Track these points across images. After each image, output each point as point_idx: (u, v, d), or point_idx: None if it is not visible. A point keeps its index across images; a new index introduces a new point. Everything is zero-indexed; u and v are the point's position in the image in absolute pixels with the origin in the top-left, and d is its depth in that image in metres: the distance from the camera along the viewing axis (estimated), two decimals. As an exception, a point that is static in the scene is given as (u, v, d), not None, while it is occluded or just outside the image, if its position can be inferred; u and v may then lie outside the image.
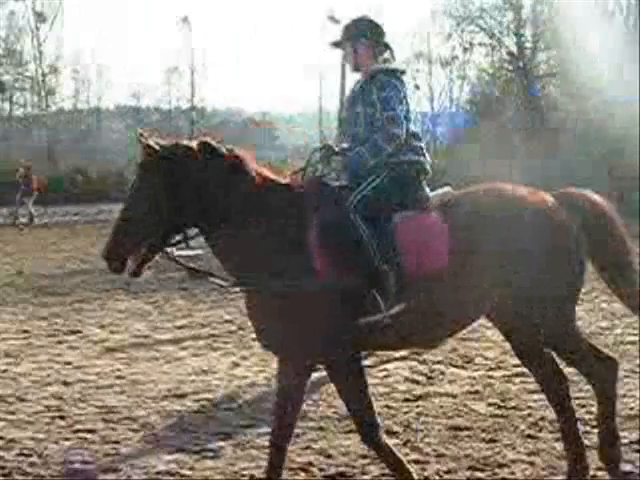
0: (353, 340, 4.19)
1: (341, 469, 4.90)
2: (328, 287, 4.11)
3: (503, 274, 4.25)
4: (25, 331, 9.14)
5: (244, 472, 4.76)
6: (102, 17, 69.58)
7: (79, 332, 8.85)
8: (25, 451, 5.22)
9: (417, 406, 6.14)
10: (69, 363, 7.55)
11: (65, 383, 6.87)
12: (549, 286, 4.29)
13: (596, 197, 4.60)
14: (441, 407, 6.09)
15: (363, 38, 4.56)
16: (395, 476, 4.33)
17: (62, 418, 5.94)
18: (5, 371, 7.28)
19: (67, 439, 5.50)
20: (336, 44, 4.70)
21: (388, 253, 4.18)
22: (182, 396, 6.48)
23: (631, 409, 5.68)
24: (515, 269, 4.25)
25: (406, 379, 6.89)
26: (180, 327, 9.38)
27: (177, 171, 4.14)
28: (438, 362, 7.32)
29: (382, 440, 4.26)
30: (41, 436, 5.53)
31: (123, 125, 47.83)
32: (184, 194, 4.13)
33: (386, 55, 4.64)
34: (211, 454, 5.15)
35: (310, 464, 4.96)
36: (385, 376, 6.85)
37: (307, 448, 5.22)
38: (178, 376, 7.08)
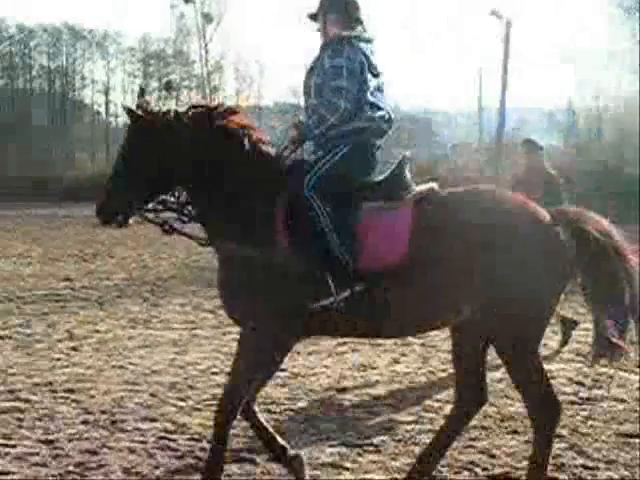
0: (304, 320, 4.20)
1: (506, 469, 4.82)
2: (282, 262, 4.13)
3: (468, 279, 4.07)
4: (191, 322, 9.49)
5: (406, 468, 4.74)
6: (264, 15, 71.01)
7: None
8: (196, 436, 5.42)
9: (583, 409, 5.96)
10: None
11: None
12: (513, 295, 4.06)
13: (593, 215, 4.29)
14: (610, 412, 5.89)
15: (333, 11, 4.49)
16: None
17: (228, 407, 6.11)
18: (174, 360, 7.58)
19: (232, 427, 5.65)
20: (312, 17, 4.61)
21: (345, 239, 4.14)
22: (343, 390, 6.55)
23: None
24: (482, 275, 4.06)
25: (571, 381, 6.70)
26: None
27: (158, 137, 4.28)
28: (605, 365, 7.05)
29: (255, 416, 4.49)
30: (209, 423, 5.69)
31: (283, 123, 48.79)
32: (165, 159, 4.28)
33: (358, 30, 4.49)
34: (372, 448, 5.18)
35: (473, 463, 4.91)
36: (550, 377, 6.67)
37: (469, 447, 5.17)
38: (339, 370, 7.15)
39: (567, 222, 4.20)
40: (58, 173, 38.99)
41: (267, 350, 4.32)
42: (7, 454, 5.07)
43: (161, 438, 5.38)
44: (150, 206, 4.47)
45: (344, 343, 8.25)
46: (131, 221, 4.47)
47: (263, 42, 71.13)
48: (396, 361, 7.51)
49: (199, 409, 6.03)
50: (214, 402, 6.15)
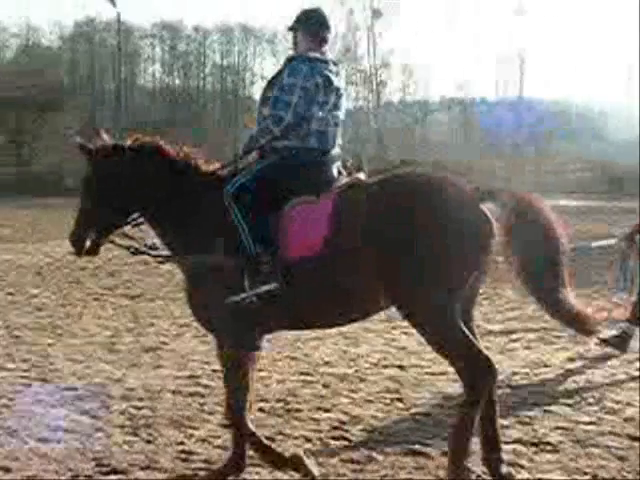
0: (239, 317, 4.42)
1: None
2: (203, 264, 4.48)
3: (386, 265, 4.18)
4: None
5: (587, 470, 4.63)
6: (432, 10, 70.71)
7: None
8: (369, 427, 5.48)
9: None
10: (404, 348, 7.79)
11: (401, 367, 7.11)
12: (431, 273, 4.14)
13: (526, 194, 4.32)
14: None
15: (305, 29, 4.80)
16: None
17: (400, 400, 6.15)
18: (345, 352, 7.69)
19: (405, 420, 5.69)
20: (290, 29, 4.95)
21: (263, 237, 4.38)
22: (516, 387, 6.45)
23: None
24: (398, 259, 4.15)
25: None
26: (510, 319, 9.33)
27: (105, 168, 4.69)
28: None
29: (246, 426, 4.59)
30: (381, 415, 5.77)
31: (449, 117, 48.44)
32: (115, 187, 4.66)
33: (324, 50, 4.77)
34: (549, 448, 5.07)
35: None
36: None
37: None
38: (511, 368, 7.04)
39: (500, 202, 4.23)
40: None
41: (233, 353, 4.59)
42: (192, 436, 5.32)
43: (335, 428, 5.47)
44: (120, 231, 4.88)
45: (515, 340, 8.13)
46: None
47: (429, 37, 70.63)
48: (572, 360, 7.31)
49: (371, 401, 6.10)
50: (386, 395, 6.25)
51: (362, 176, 4.68)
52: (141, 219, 4.85)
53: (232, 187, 4.55)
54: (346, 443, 5.19)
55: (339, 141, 4.83)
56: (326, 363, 7.25)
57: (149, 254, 4.94)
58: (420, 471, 4.76)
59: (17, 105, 41.14)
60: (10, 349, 7.70)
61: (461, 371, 4.23)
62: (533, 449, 5.06)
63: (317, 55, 4.75)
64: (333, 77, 4.73)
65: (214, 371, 6.89)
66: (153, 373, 6.90)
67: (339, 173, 4.75)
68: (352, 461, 4.89)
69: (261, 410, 5.86)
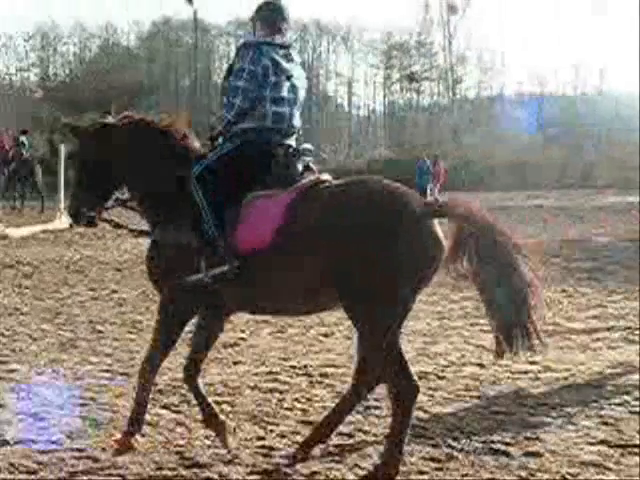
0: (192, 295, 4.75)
1: None
2: (179, 243, 4.72)
3: (324, 264, 4.32)
4: (438, 312, 9.53)
5: (678, 474, 4.51)
6: (507, 4, 69.72)
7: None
8: (449, 425, 5.44)
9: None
10: (482, 346, 7.70)
11: (480, 365, 7.03)
12: (364, 280, 4.25)
13: (477, 206, 4.38)
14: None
15: (260, 18, 4.99)
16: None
17: (479, 398, 6.09)
18: (424, 349, 7.64)
19: (485, 419, 5.62)
20: (251, 19, 5.14)
21: (222, 221, 4.58)
22: (600, 387, 6.32)
23: None
24: (337, 257, 4.29)
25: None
26: (592, 317, 9.15)
27: (90, 145, 5.02)
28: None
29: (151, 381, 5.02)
30: (461, 414, 5.72)
31: (525, 112, 47.72)
32: (105, 162, 4.97)
33: (277, 38, 4.92)
34: (637, 450, 4.95)
35: None
36: None
37: None
38: (596, 367, 6.90)
39: (451, 214, 4.31)
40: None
41: (170, 317, 4.91)
42: (272, 431, 5.36)
43: (415, 426, 5.42)
44: (110, 204, 5.18)
45: (598, 339, 7.97)
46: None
47: (505, 32, 69.60)
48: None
49: (451, 399, 6.05)
50: (465, 393, 6.19)
51: (326, 177, 4.82)
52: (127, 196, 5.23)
53: (197, 169, 4.76)
54: (426, 441, 5.16)
55: (297, 123, 5.02)
56: (404, 360, 7.20)
57: (126, 228, 5.34)
58: (501, 470, 4.70)
59: (97, 104, 41.99)
60: (93, 343, 7.87)
61: (390, 387, 4.44)
62: (620, 451, 4.95)
63: (265, 39, 4.92)
64: (282, 60, 4.89)
65: (292, 367, 6.95)
66: (232, 369, 6.97)
67: (308, 168, 4.91)
68: (433, 459, 4.85)
69: (309, 382, 5.89)
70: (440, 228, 4.40)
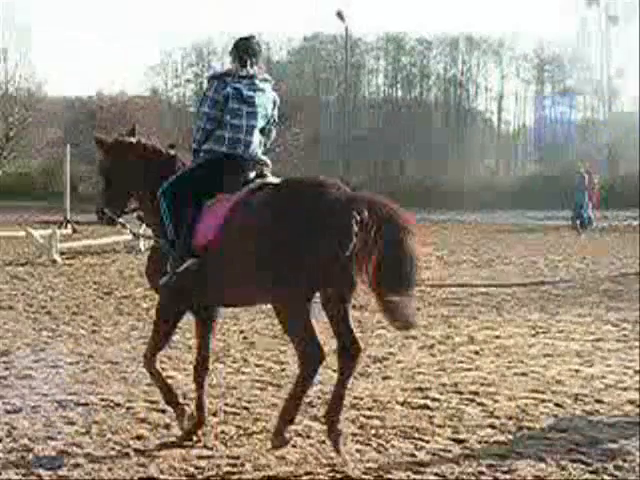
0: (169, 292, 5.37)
1: None
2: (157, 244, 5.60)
3: (256, 259, 4.83)
4: (592, 333, 9.21)
5: None
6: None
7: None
8: (608, 452, 5.21)
9: None
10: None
11: (640, 390, 6.74)
12: (291, 271, 4.77)
13: (387, 202, 4.81)
14: None
15: (232, 54, 5.67)
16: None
17: None
18: (578, 371, 7.40)
19: None
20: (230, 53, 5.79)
21: (178, 227, 5.26)
22: None
23: None
24: (263, 247, 4.81)
25: None
26: None
27: (109, 159, 5.84)
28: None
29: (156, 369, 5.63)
30: (623, 441, 5.42)
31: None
32: (120, 174, 5.78)
33: (244, 70, 5.54)
34: None
35: None
36: None
37: None
38: None
39: (365, 207, 4.70)
40: (453, 179, 40.12)
41: (162, 316, 5.56)
42: (422, 448, 5.31)
43: (571, 450, 5.27)
44: (126, 209, 5.92)
45: None
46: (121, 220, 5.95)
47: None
48: None
49: (610, 425, 5.81)
50: (625, 418, 5.95)
51: (272, 180, 5.41)
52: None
53: (166, 184, 5.45)
54: (583, 467, 4.98)
55: (258, 143, 5.59)
56: (558, 382, 7.01)
57: (131, 231, 6.31)
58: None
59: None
60: (245, 354, 8.04)
61: (299, 353, 4.94)
62: None
63: (229, 71, 5.63)
64: (244, 89, 5.50)
65: (443, 385, 6.87)
66: (381, 384, 6.96)
67: (261, 175, 5.51)
68: (591, 486, 4.69)
69: (491, 426, 5.76)
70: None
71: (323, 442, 5.38)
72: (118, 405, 6.16)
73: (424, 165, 45.81)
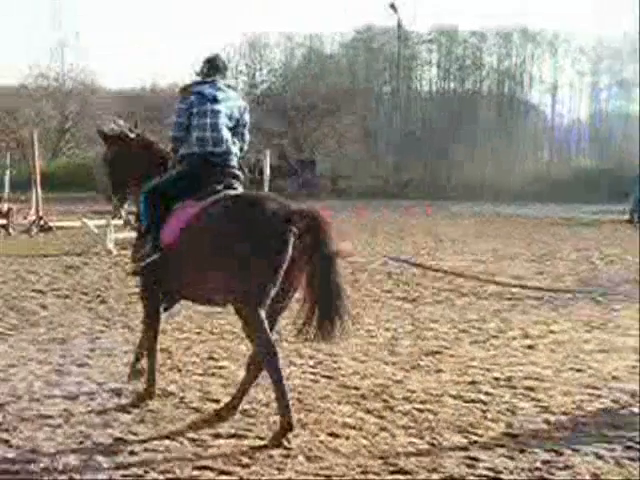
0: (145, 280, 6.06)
1: None
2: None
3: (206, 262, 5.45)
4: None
5: None
6: None
7: None
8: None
9: None
10: None
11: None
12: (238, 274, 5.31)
13: (319, 214, 5.37)
14: None
15: (200, 69, 6.23)
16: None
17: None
18: (635, 367, 7.27)
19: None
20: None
21: (154, 225, 5.84)
22: None
23: None
24: (217, 259, 5.38)
25: None
26: None
27: (109, 148, 6.52)
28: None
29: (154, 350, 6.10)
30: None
31: None
32: (118, 163, 6.44)
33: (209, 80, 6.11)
34: None
35: None
36: None
37: None
38: None
39: (303, 222, 5.28)
40: (505, 171, 39.69)
41: (145, 301, 6.17)
42: (475, 442, 5.28)
43: (628, 447, 5.19)
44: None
45: None
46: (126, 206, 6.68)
47: None
48: None
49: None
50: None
51: (237, 192, 5.87)
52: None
53: (147, 187, 6.06)
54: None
55: (229, 140, 6.03)
56: (614, 378, 6.91)
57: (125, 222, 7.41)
58: None
59: (301, 111, 43.23)
60: (297, 345, 8.05)
61: (257, 350, 5.49)
62: None
63: (192, 81, 6.28)
64: (207, 89, 6.01)
65: (496, 379, 6.81)
66: (433, 377, 6.93)
67: (230, 187, 5.92)
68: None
69: (546, 422, 5.70)
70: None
71: (376, 435, 5.38)
72: (172, 394, 6.21)
73: (475, 157, 45.40)
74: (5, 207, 19.72)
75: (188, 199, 5.79)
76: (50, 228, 19.35)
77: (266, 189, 18.71)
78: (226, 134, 6.00)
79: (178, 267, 5.68)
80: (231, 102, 6.09)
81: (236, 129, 6.11)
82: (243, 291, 5.33)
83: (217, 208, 5.56)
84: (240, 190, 5.97)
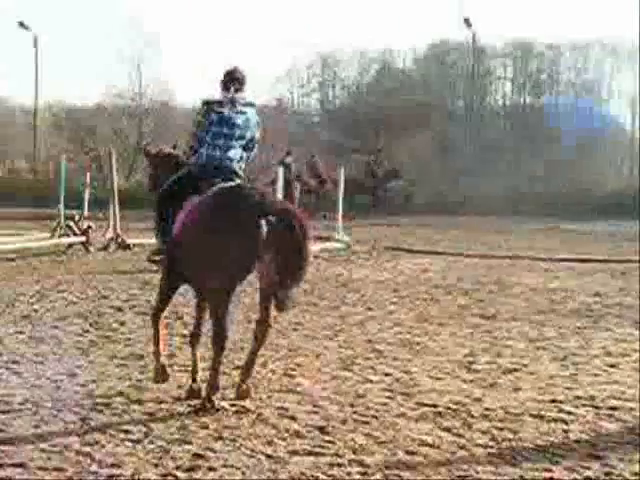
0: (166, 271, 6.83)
1: None
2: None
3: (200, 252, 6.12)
4: None
5: None
6: None
7: None
8: None
9: None
10: None
11: None
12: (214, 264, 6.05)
13: (293, 210, 6.19)
14: None
15: (220, 82, 6.84)
16: None
17: None
18: None
19: None
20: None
21: (168, 220, 6.52)
22: None
23: None
24: (200, 249, 6.11)
25: None
26: None
27: (151, 165, 7.52)
28: None
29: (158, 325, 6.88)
30: None
31: None
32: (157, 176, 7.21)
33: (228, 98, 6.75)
34: None
35: None
36: None
37: None
38: None
39: (279, 216, 5.94)
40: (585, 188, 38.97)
41: (160, 288, 6.95)
42: (558, 463, 5.14)
43: None
44: None
45: None
46: None
47: None
48: None
49: None
50: None
51: (232, 184, 6.45)
52: None
53: (163, 187, 6.78)
54: None
55: (236, 158, 6.69)
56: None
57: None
58: None
59: (375, 126, 43.18)
60: (373, 362, 8.01)
61: (213, 331, 6.16)
62: None
63: (213, 99, 6.79)
64: (226, 112, 6.63)
65: (578, 398, 6.65)
66: (512, 395, 6.80)
67: (228, 179, 6.53)
68: None
69: (632, 444, 5.53)
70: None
71: (454, 453, 5.30)
72: (249, 411, 6.22)
73: (553, 171, 44.67)
74: (85, 225, 20.11)
75: (193, 196, 6.44)
76: (128, 245, 19.64)
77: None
78: (234, 154, 6.69)
79: (182, 257, 6.36)
80: (247, 121, 6.75)
81: (248, 144, 6.80)
82: (216, 276, 6.04)
83: (206, 200, 6.25)
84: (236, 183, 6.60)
